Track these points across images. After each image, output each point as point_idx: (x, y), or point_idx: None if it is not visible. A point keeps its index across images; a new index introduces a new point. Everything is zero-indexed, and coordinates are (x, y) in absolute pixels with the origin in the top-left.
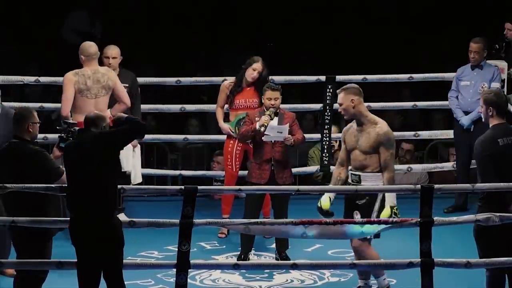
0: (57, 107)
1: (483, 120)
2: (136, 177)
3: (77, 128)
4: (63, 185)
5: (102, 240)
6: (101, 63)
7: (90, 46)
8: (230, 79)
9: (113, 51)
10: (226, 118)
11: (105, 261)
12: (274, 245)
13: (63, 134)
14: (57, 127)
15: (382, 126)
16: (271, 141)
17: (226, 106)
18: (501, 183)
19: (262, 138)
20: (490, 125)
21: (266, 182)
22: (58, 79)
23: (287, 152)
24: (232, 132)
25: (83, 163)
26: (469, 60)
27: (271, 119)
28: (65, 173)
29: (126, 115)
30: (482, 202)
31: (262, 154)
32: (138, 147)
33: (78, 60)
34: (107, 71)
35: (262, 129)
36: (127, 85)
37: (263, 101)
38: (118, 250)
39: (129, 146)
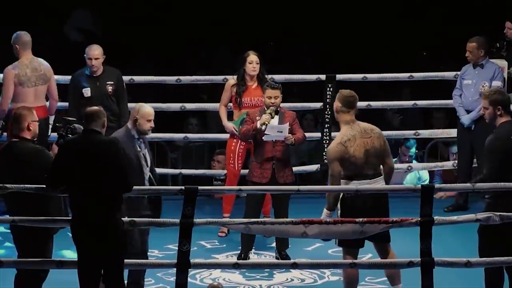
0: (59, 106)
1: (487, 121)
2: None
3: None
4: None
5: (104, 240)
6: (84, 63)
7: (25, 34)
8: (233, 78)
9: (95, 52)
10: (230, 117)
11: (106, 261)
12: (274, 244)
13: (62, 131)
14: (56, 124)
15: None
16: (272, 140)
17: (230, 104)
18: (502, 183)
19: (263, 138)
20: (500, 123)
21: (267, 181)
22: (58, 77)
23: (288, 151)
24: (236, 131)
25: (90, 165)
26: None
27: (272, 117)
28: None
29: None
30: (490, 198)
31: (263, 153)
32: None
33: (79, 59)
34: (42, 61)
35: (263, 127)
36: (112, 82)
37: (263, 99)
38: (119, 250)
39: None
